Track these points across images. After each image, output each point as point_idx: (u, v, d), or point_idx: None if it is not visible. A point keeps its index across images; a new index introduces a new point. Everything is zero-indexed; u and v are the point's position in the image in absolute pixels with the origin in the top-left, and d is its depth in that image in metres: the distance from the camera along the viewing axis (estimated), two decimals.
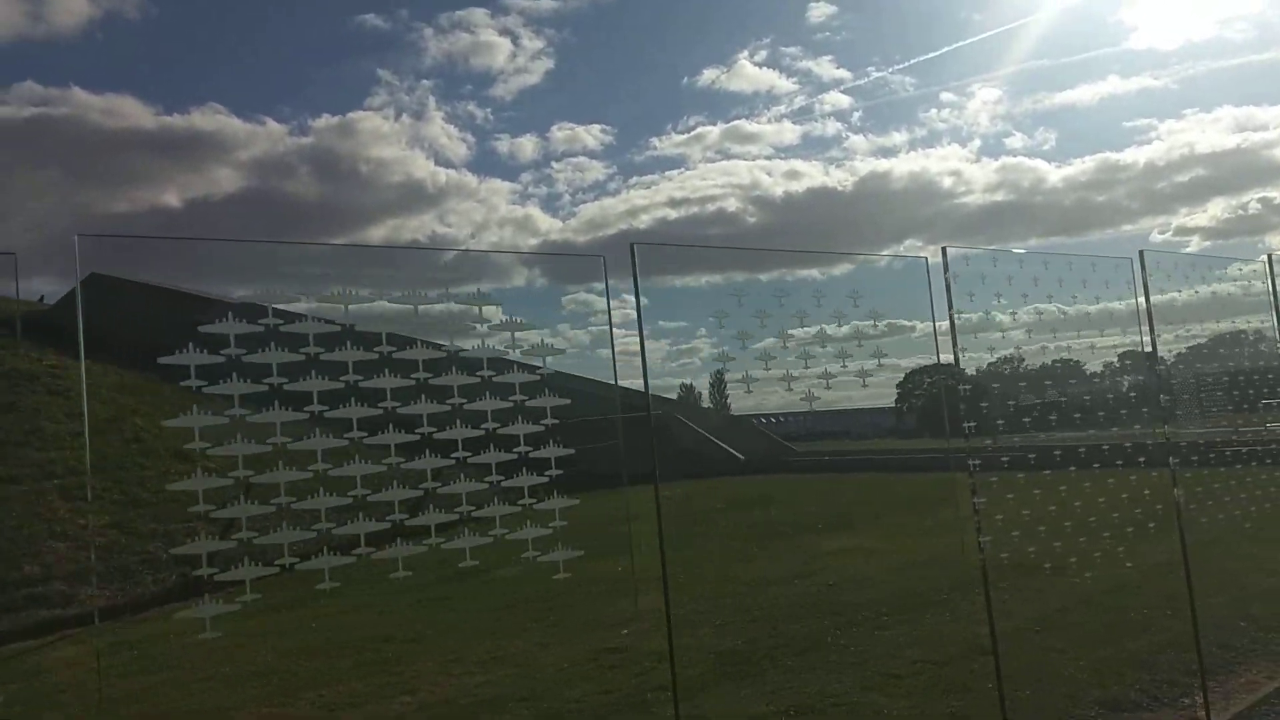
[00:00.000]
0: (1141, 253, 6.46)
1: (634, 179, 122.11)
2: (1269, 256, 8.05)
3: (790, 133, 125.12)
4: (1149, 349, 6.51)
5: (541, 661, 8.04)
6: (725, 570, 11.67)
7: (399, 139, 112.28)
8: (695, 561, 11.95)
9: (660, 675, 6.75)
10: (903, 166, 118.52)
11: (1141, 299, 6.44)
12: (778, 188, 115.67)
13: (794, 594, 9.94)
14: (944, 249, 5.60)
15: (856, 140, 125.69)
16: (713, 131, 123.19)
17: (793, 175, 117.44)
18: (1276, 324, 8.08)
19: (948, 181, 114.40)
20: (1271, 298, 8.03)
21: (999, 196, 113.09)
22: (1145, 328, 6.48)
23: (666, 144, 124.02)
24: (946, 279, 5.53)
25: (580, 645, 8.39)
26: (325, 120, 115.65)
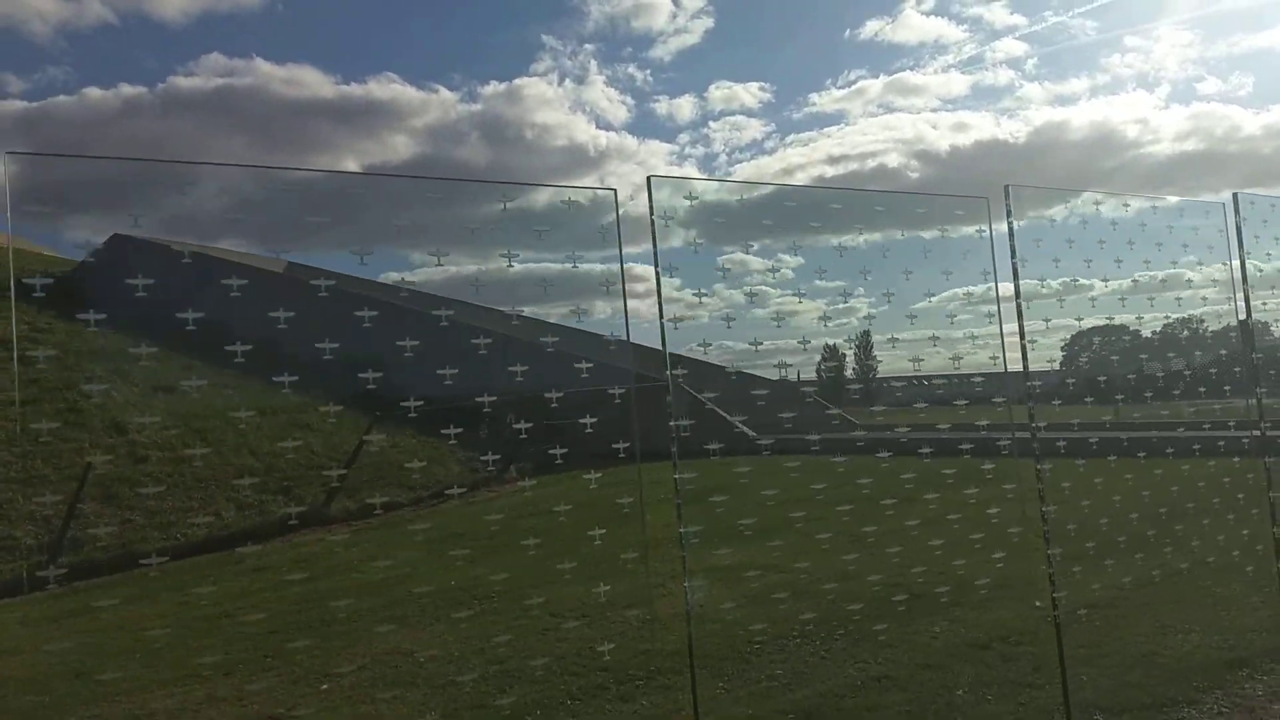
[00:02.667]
0: None
1: (791, 136, 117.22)
2: None
3: (958, 83, 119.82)
4: None
5: None
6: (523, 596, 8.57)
7: (562, 103, 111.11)
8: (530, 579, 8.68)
9: None
10: (1082, 116, 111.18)
11: None
12: (943, 141, 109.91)
13: (550, 644, 7.25)
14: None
15: (1031, 89, 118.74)
16: (874, 85, 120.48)
17: (960, 127, 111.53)
18: None
19: (1132, 131, 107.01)
20: None
21: (1189, 146, 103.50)
22: None
23: (825, 100, 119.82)
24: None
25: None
26: (493, 87, 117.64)
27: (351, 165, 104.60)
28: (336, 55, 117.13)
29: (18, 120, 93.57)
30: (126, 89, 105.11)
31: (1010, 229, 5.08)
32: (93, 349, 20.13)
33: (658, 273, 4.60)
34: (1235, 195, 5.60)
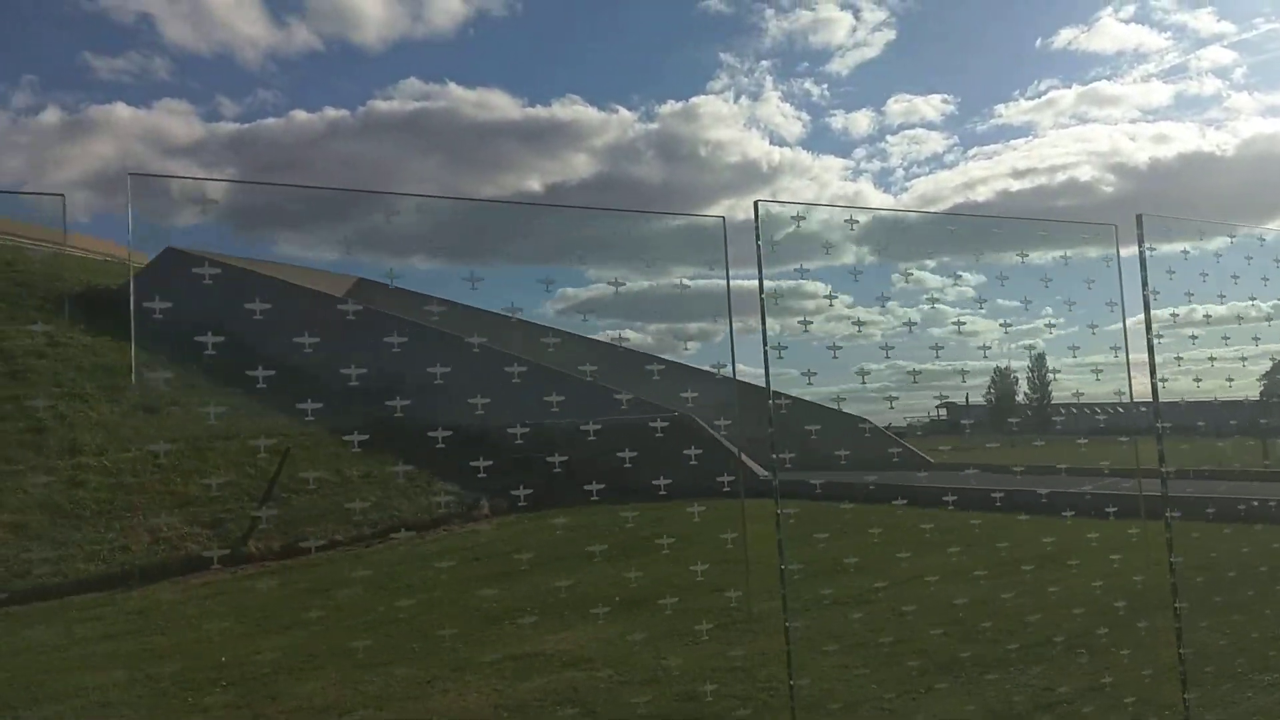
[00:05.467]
0: None
1: (974, 149, 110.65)
2: None
3: (1160, 93, 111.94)
4: None
5: None
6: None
7: (736, 120, 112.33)
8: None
9: None
10: None
11: None
12: (1142, 153, 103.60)
13: None
14: None
15: (1240, 99, 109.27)
16: (1067, 95, 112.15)
17: (1161, 139, 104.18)
18: None
19: None
20: None
21: None
22: None
23: (1013, 111, 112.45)
24: None
25: None
26: (670, 106, 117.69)
27: (534, 184, 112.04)
28: (523, 78, 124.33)
29: (231, 140, 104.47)
30: (330, 112, 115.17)
31: (1142, 257, 4.48)
32: (96, 365, 20.88)
33: (762, 300, 4.42)
34: None
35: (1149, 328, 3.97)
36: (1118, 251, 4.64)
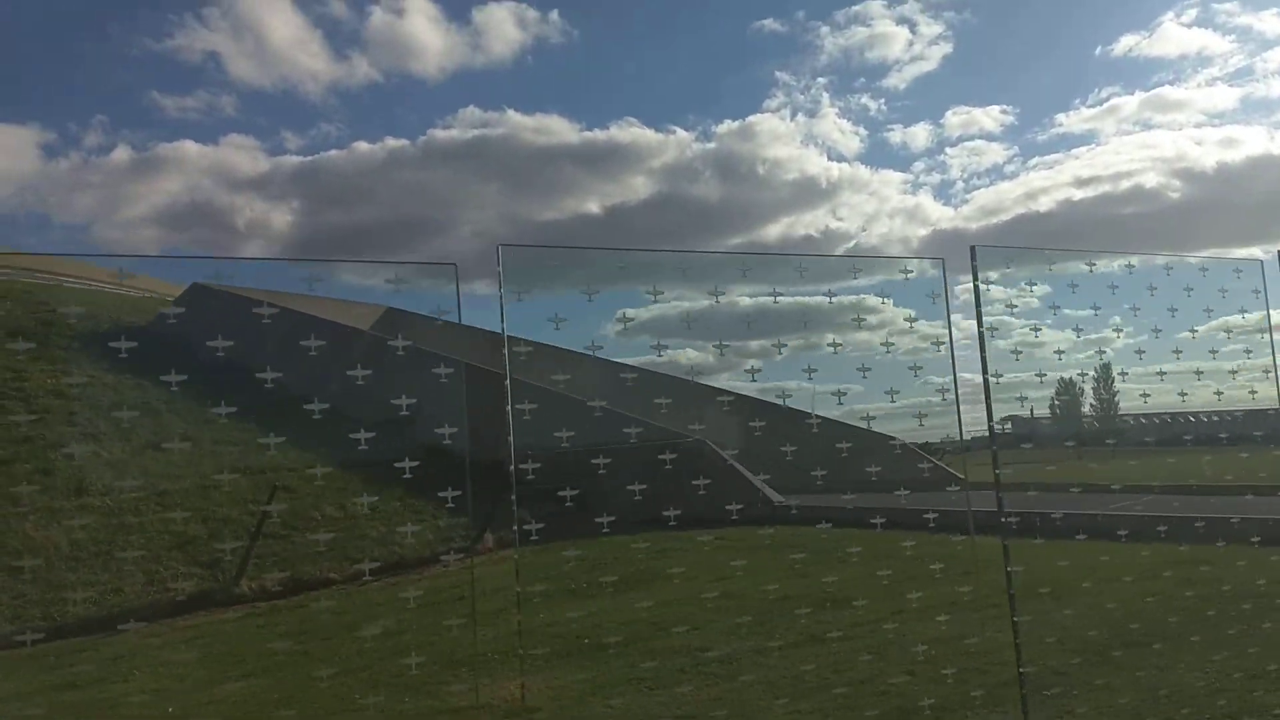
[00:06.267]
0: None
1: (1035, 159, 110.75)
2: None
3: (1225, 97, 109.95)
4: None
5: None
6: None
7: (794, 138, 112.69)
8: None
9: None
10: None
11: None
12: (1209, 158, 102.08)
13: None
14: None
15: None
16: (1129, 102, 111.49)
17: (1229, 143, 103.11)
18: None
19: None
20: None
21: None
22: None
23: (1074, 120, 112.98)
24: None
25: None
26: (727, 125, 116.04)
27: (594, 207, 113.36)
28: (581, 103, 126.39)
29: (295, 173, 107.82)
30: (391, 142, 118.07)
31: (976, 290, 4.37)
32: (114, 403, 21.35)
33: (506, 350, 4.71)
34: None
35: (984, 365, 3.71)
36: (945, 281, 4.48)
